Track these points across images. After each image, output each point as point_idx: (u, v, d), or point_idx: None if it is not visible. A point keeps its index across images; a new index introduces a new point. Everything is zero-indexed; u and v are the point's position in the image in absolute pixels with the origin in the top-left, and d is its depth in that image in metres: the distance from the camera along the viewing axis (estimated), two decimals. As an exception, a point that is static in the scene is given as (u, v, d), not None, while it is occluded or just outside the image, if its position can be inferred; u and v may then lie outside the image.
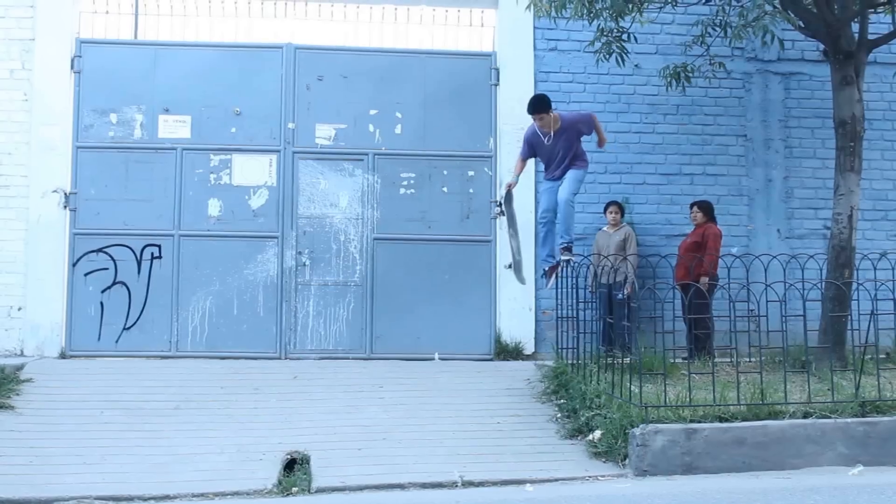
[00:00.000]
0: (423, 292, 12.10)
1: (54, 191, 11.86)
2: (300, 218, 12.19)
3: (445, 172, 12.38)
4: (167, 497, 7.73)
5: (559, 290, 10.85)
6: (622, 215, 12.16)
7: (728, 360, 9.52)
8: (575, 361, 10.35)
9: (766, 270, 9.99)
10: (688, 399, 8.78)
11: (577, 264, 10.66)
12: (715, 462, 8.26)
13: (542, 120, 10.66)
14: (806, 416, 8.52)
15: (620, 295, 11.49)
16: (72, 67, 12.06)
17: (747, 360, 9.39)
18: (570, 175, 10.71)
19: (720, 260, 11.46)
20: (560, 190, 10.69)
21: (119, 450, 8.66)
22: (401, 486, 8.02)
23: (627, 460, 8.37)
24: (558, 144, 10.72)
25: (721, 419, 8.55)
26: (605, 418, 8.86)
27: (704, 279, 11.21)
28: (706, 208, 12.00)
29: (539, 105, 10.63)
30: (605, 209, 12.16)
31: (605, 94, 12.59)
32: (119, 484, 7.98)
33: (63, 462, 8.34)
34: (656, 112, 12.66)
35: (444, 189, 12.34)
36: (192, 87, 12.20)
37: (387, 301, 12.11)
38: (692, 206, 12.08)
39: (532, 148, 10.97)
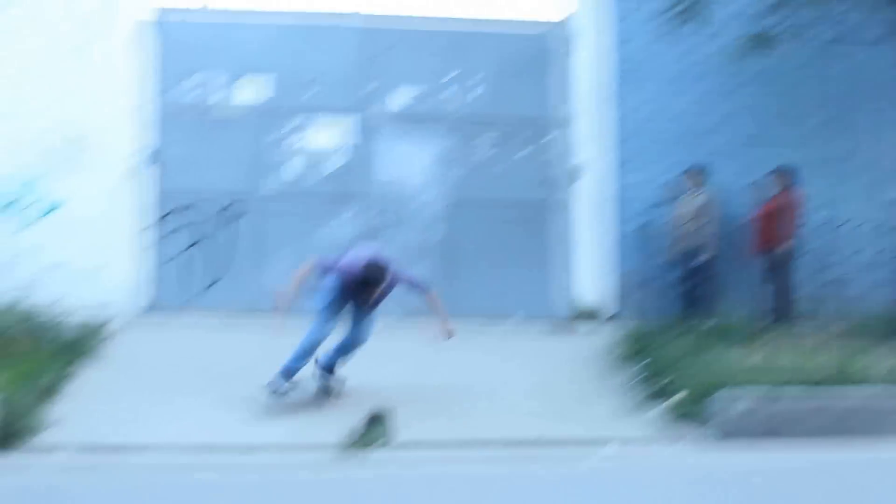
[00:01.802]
0: (500, 256, 12.10)
1: (135, 152, 12.02)
2: (377, 181, 12.23)
3: (521, 137, 12.34)
4: (252, 448, 7.85)
5: (639, 255, 10.79)
6: (701, 181, 12.03)
7: (811, 326, 9.40)
8: (655, 325, 10.29)
9: (848, 238, 9.85)
10: (770, 365, 8.71)
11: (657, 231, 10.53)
12: (798, 428, 8.19)
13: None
14: (892, 384, 8.41)
15: (700, 260, 11.40)
16: (153, 31, 12.18)
17: (831, 326, 9.28)
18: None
19: (801, 227, 11.31)
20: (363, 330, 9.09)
21: (201, 402, 8.80)
22: (479, 444, 8.06)
23: (708, 425, 8.33)
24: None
25: (804, 385, 8.48)
26: (686, 382, 8.81)
27: (785, 245, 11.08)
28: (787, 174, 11.84)
29: (381, 273, 8.75)
30: (684, 174, 12.04)
31: (686, 57, 12.43)
32: (203, 434, 8.11)
33: (148, 413, 8.49)
34: (738, 77, 12.46)
35: (521, 153, 12.30)
36: (271, 51, 12.27)
37: (463, 264, 12.12)
38: (772, 172, 11.93)
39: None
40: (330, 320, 8.70)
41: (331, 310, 8.69)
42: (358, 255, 8.78)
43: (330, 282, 8.70)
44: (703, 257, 11.34)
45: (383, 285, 8.66)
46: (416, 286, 9.00)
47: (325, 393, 8.94)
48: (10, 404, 7.95)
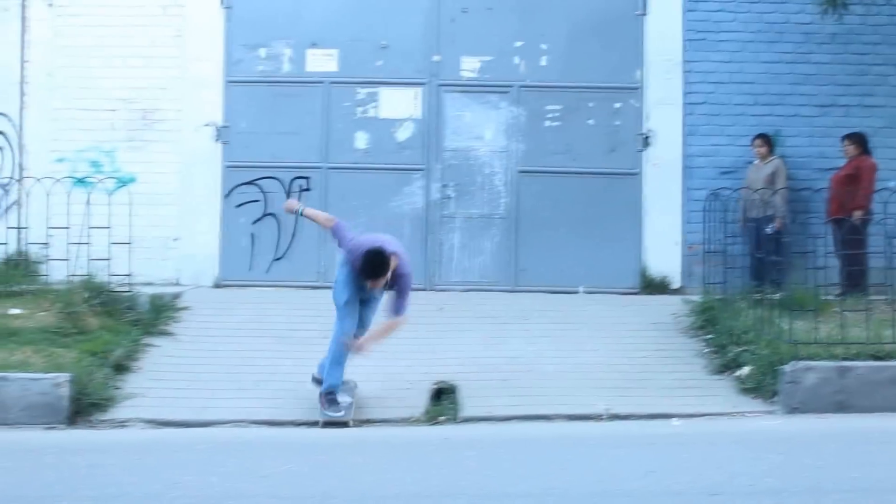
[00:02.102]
0: (568, 225, 12.03)
1: (206, 124, 12.14)
2: (445, 151, 12.23)
3: (591, 104, 12.24)
4: (317, 422, 7.94)
5: (707, 225, 10.68)
6: (771, 148, 11.85)
7: (883, 297, 9.23)
8: (723, 296, 10.20)
9: (924, 206, 9.62)
10: (840, 336, 8.60)
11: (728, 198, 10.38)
12: (868, 401, 8.10)
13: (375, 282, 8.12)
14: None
15: (770, 229, 11.26)
16: (222, 3, 12.26)
17: (904, 297, 9.09)
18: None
19: (875, 194, 11.08)
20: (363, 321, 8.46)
21: (271, 376, 8.91)
22: (547, 418, 8.09)
23: (777, 397, 8.27)
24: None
25: (875, 358, 8.36)
26: (754, 354, 8.75)
27: (858, 213, 10.87)
28: (860, 140, 11.59)
29: (379, 269, 7.99)
30: (754, 141, 11.86)
31: (757, 22, 12.19)
32: (272, 409, 8.23)
33: (219, 387, 8.63)
34: (810, 41, 12.21)
35: (590, 121, 12.20)
36: (339, 22, 12.29)
37: (532, 234, 12.08)
38: (845, 138, 11.68)
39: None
40: (351, 315, 8.17)
41: (351, 304, 8.15)
42: (367, 241, 8.12)
43: (342, 274, 8.18)
44: (773, 226, 11.19)
45: (381, 281, 7.98)
46: (397, 301, 8.14)
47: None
48: (82, 379, 8.14)
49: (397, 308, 8.11)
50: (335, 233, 8.34)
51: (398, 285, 8.11)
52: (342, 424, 7.95)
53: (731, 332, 9.31)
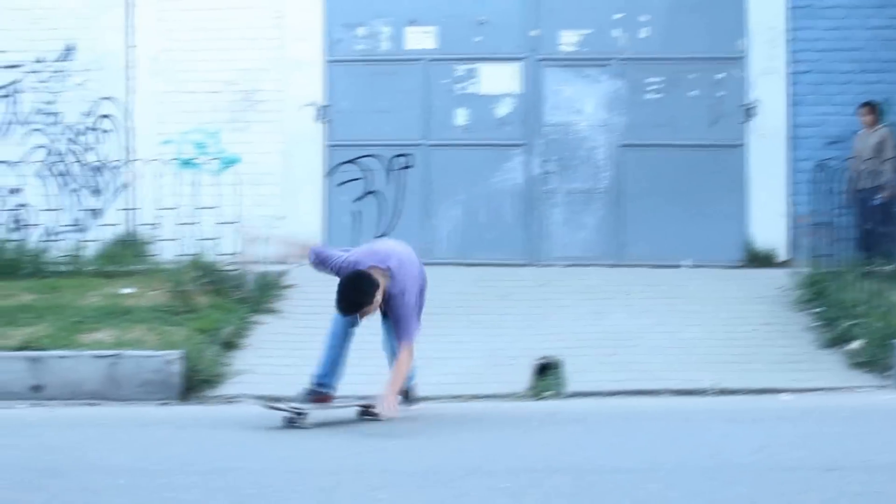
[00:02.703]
0: (671, 199, 11.90)
1: (308, 104, 12.27)
2: (545, 126, 12.18)
3: (693, 76, 12.08)
4: (424, 398, 7.94)
5: (814, 196, 10.49)
6: (878, 116, 11.55)
7: None
8: (831, 269, 10.00)
9: None
10: (956, 309, 8.40)
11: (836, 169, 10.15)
12: (984, 376, 7.89)
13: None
14: None
15: (878, 200, 11.01)
16: (330, -17, 12.38)
17: None
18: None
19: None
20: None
21: (375, 353, 8.94)
22: (653, 393, 8.03)
23: (890, 372, 8.09)
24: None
25: None
26: (866, 328, 8.56)
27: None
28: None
29: (358, 299, 6.70)
30: (860, 111, 11.57)
31: (866, -15, 11.92)
32: (375, 386, 8.27)
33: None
34: (917, 10, 11.90)
35: (692, 93, 12.05)
36: (436, 0, 12.31)
37: (634, 208, 11.99)
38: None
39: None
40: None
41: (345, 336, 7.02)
42: (354, 260, 6.83)
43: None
44: (881, 197, 10.95)
45: (369, 309, 6.72)
46: (397, 326, 6.87)
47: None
48: (193, 357, 8.31)
49: (399, 334, 6.84)
50: (318, 261, 7.01)
51: (391, 308, 6.85)
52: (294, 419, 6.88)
53: (840, 305, 9.12)
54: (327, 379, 7.06)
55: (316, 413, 6.94)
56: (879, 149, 11.23)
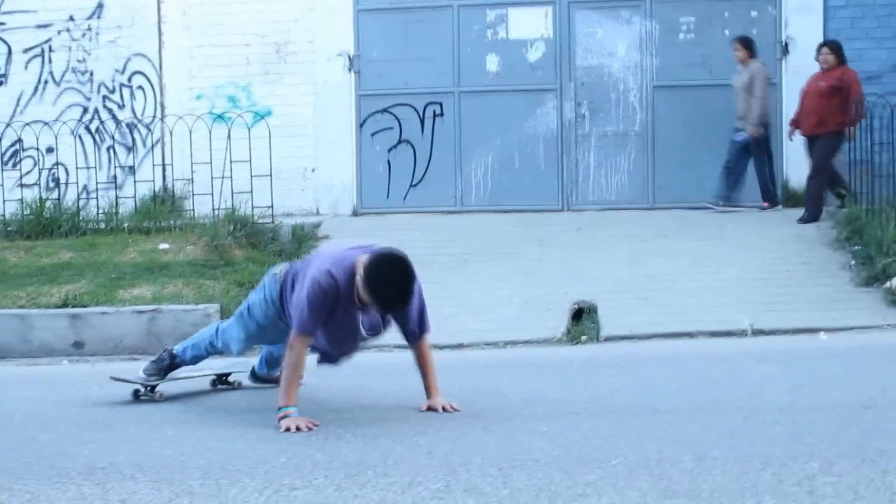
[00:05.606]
0: (706, 140, 11.78)
1: (339, 54, 12.22)
2: (578, 69, 12.08)
3: (726, 14, 11.92)
4: (461, 345, 8.04)
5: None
6: (753, 51, 11.31)
7: None
8: (870, 207, 9.92)
9: None
10: None
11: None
12: None
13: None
14: None
15: (741, 138, 11.14)
16: (348, -67, 12.30)
17: None
18: None
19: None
20: None
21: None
22: (689, 335, 8.04)
23: (928, 309, 8.05)
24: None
25: None
26: (904, 266, 8.51)
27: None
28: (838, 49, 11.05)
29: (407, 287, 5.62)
30: (731, 44, 11.38)
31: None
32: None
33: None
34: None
35: (726, 31, 11.88)
36: (464, -55, 12.22)
37: (668, 150, 11.90)
38: (824, 46, 11.10)
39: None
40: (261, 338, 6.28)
41: (270, 330, 6.08)
42: (329, 256, 5.94)
43: (272, 294, 6.03)
44: (743, 135, 11.05)
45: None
46: (424, 319, 5.91)
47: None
48: (231, 309, 8.33)
49: (423, 325, 5.90)
50: (311, 332, 5.65)
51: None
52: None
53: (879, 243, 9.04)
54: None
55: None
56: (749, 85, 11.09)
